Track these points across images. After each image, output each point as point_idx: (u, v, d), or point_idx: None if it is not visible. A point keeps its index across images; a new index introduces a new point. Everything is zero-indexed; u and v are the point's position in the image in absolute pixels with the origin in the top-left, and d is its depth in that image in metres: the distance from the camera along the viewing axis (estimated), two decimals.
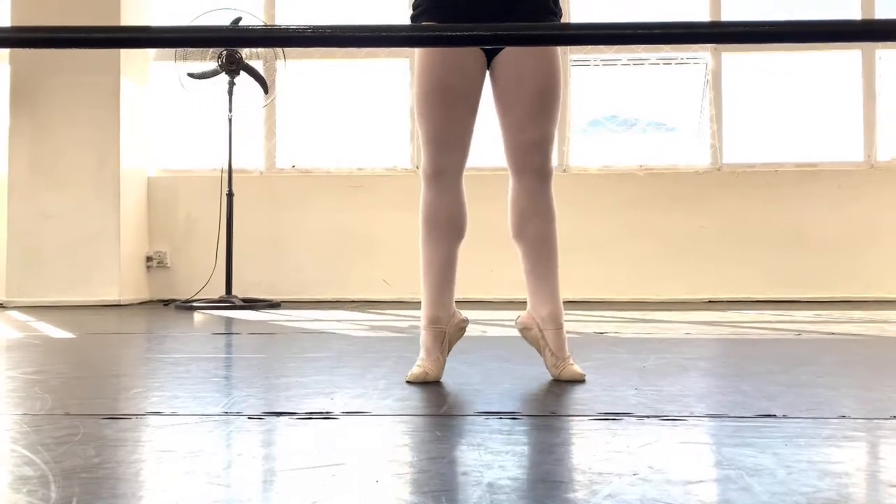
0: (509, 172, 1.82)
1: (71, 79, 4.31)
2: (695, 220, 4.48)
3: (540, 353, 1.81)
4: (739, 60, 4.63)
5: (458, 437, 1.27)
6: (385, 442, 1.25)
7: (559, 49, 1.91)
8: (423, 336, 1.80)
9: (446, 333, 1.80)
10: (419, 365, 1.76)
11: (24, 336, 2.81)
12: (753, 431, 1.27)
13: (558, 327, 1.78)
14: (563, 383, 1.72)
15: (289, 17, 4.74)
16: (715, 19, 4.58)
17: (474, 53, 1.76)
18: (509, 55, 1.76)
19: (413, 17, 1.81)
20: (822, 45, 4.34)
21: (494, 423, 1.35)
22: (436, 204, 1.78)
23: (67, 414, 1.42)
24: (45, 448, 1.17)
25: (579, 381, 1.73)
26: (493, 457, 1.12)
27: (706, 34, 1.47)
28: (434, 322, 1.79)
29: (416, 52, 1.80)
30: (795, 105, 4.64)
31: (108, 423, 1.34)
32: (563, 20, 1.94)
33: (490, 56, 1.78)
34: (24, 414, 1.43)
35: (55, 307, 4.11)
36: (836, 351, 2.37)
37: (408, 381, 1.73)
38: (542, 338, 1.78)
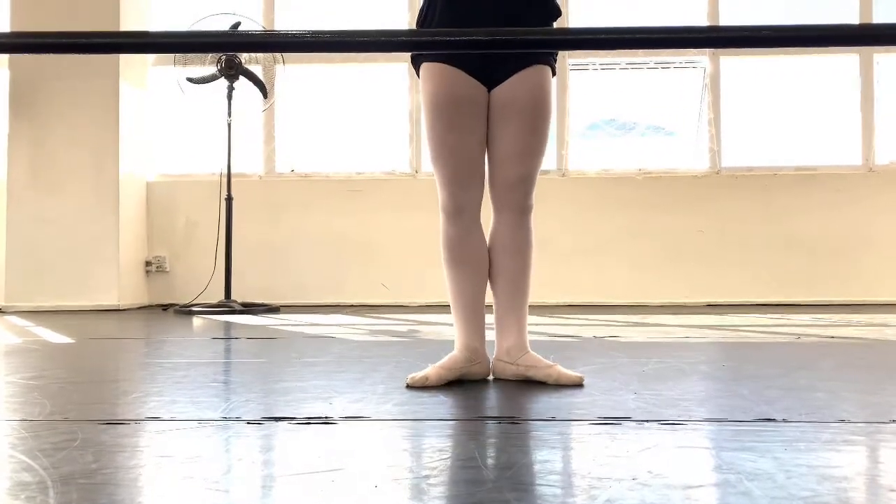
0: (492, 208, 1.85)
1: (70, 83, 4.31)
2: (694, 223, 4.48)
3: (529, 379, 1.80)
4: (738, 64, 4.64)
5: (457, 442, 1.27)
6: (384, 447, 1.25)
7: (558, 54, 1.92)
8: (453, 356, 1.79)
9: (471, 368, 1.79)
10: (425, 373, 1.75)
11: (23, 341, 2.81)
12: (753, 436, 1.27)
13: (524, 351, 1.80)
14: (563, 387, 1.72)
15: (288, 20, 4.74)
16: (713, 23, 4.59)
17: (479, 88, 1.79)
18: (502, 90, 1.79)
19: (414, 58, 1.85)
20: (821, 50, 4.34)
21: (494, 427, 1.35)
22: (463, 244, 1.82)
23: (66, 419, 1.42)
24: (44, 454, 1.16)
25: (577, 385, 1.73)
26: (492, 461, 1.12)
27: (705, 39, 1.47)
28: (469, 349, 1.79)
29: (424, 92, 1.82)
30: (794, 109, 4.65)
31: (106, 429, 1.34)
32: (561, 24, 1.95)
33: (489, 89, 1.81)
34: (23, 419, 1.43)
35: (54, 312, 4.11)
36: (836, 354, 2.37)
37: (407, 386, 1.73)
38: (518, 366, 1.79)
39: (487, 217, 1.86)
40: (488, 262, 1.85)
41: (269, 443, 1.28)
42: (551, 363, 1.79)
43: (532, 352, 1.82)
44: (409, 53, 1.84)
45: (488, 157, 1.84)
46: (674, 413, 1.44)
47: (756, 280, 4.43)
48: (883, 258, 4.41)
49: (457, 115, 1.78)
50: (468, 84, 1.77)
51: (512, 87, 1.78)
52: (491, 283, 1.86)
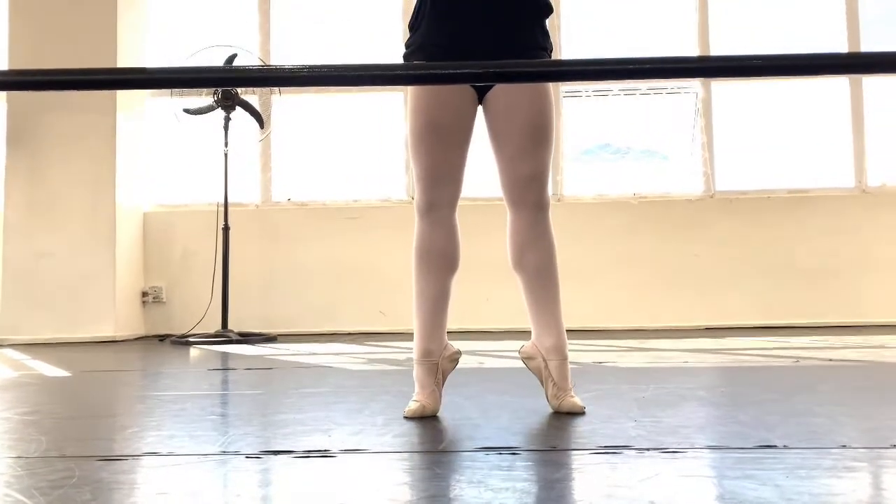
0: (507, 205, 1.84)
1: (67, 116, 4.34)
2: (689, 247, 4.50)
3: (541, 384, 1.81)
4: (729, 89, 4.69)
5: (457, 475, 1.26)
6: (384, 480, 1.24)
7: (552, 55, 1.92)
8: (417, 370, 1.80)
9: (439, 366, 1.80)
10: (416, 400, 1.75)
11: (19, 375, 2.79)
12: (754, 463, 1.26)
13: (562, 358, 1.78)
14: (563, 416, 1.72)
15: (284, 51, 4.79)
16: (704, 42, 4.65)
17: (465, 91, 1.78)
18: (501, 91, 1.79)
19: (406, 56, 1.83)
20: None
21: (494, 458, 1.34)
22: (429, 237, 1.80)
23: (63, 456, 1.41)
24: (40, 492, 1.15)
25: (579, 413, 1.73)
26: (493, 494, 1.11)
27: (696, 69, 1.49)
28: (427, 355, 1.79)
29: (409, 91, 1.83)
30: (786, 132, 4.69)
31: (103, 465, 1.33)
32: (553, 54, 1.96)
33: (481, 93, 1.81)
34: (19, 457, 1.42)
35: (50, 344, 4.09)
36: (834, 378, 2.37)
37: (406, 417, 1.72)
38: (545, 368, 1.78)
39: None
40: (456, 264, 1.81)
41: (268, 477, 1.28)
42: (569, 388, 1.77)
43: (568, 365, 1.79)
44: (403, 61, 1.82)
45: (496, 158, 1.82)
46: (674, 441, 1.44)
47: (752, 303, 4.43)
48: (878, 279, 4.42)
49: (440, 115, 1.76)
50: (456, 86, 1.75)
51: (511, 87, 1.76)
52: (521, 279, 1.82)
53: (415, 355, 1.81)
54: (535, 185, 1.80)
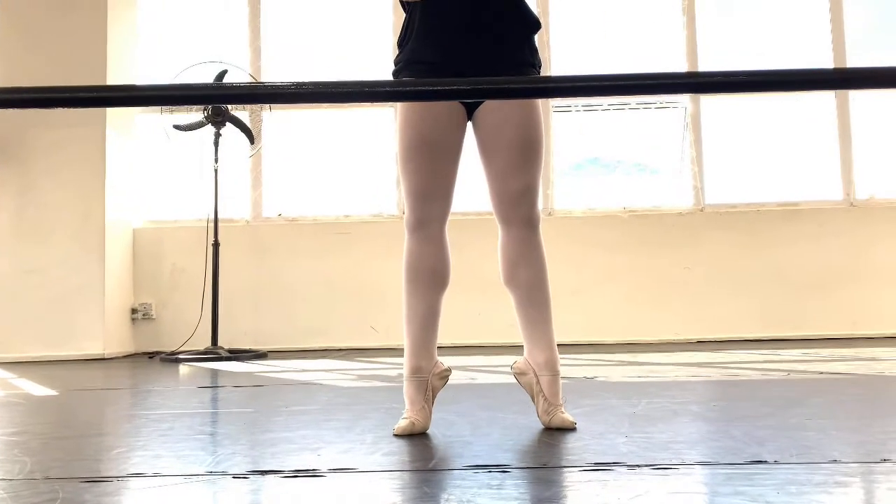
0: (497, 222, 1.84)
1: (56, 131, 4.32)
2: (680, 260, 4.51)
3: (533, 399, 1.80)
4: (718, 103, 4.72)
5: (447, 493, 1.25)
6: (373, 499, 1.23)
7: (541, 71, 1.93)
8: (406, 387, 1.79)
9: (429, 382, 1.79)
10: (405, 417, 1.74)
11: (4, 394, 2.76)
12: (745, 479, 1.25)
13: (554, 374, 1.78)
14: (554, 432, 1.71)
15: (274, 67, 4.80)
16: (692, 54, 4.69)
17: (454, 107, 1.78)
18: (490, 107, 1.79)
19: (394, 73, 1.84)
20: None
21: (484, 476, 1.33)
22: (418, 254, 1.79)
23: (47, 478, 1.39)
24: None
25: (570, 428, 1.72)
26: None
27: (683, 84, 1.50)
28: (416, 372, 1.78)
29: (398, 107, 1.83)
30: (775, 145, 4.72)
31: (88, 487, 1.31)
32: (543, 70, 1.97)
33: (471, 109, 1.81)
34: (2, 479, 1.40)
35: (38, 362, 4.04)
36: (825, 391, 2.37)
37: (395, 434, 1.70)
38: (536, 383, 1.78)
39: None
40: (446, 279, 1.81)
41: (256, 498, 1.26)
42: (560, 403, 1.77)
43: (560, 380, 1.78)
44: (392, 78, 1.83)
45: (486, 173, 1.82)
46: (665, 457, 1.43)
47: (743, 315, 4.44)
48: (867, 291, 4.44)
49: (429, 131, 1.76)
50: (445, 102, 1.75)
51: (499, 103, 1.76)
52: (512, 295, 1.82)
53: (405, 372, 1.80)
54: (526, 200, 1.80)
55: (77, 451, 1.67)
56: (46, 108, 1.38)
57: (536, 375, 1.78)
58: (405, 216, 1.83)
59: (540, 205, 1.85)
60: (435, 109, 1.76)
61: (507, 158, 1.78)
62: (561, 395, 1.78)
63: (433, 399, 1.80)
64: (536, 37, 1.87)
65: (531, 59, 1.83)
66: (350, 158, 4.80)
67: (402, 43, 1.84)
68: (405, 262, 1.81)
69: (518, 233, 1.80)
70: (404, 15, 1.85)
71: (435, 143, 1.77)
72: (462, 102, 1.79)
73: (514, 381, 1.88)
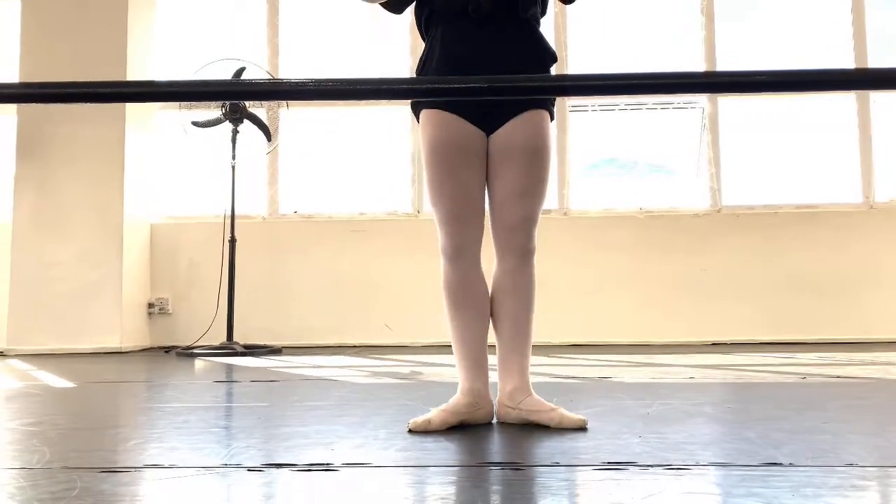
0: (494, 249, 1.86)
1: (77, 128, 4.37)
2: (696, 262, 4.48)
3: (537, 424, 1.79)
4: (736, 104, 4.69)
5: (460, 490, 1.25)
6: (386, 494, 1.24)
7: (556, 101, 1.95)
8: (457, 399, 1.78)
9: (474, 413, 1.78)
10: (427, 417, 1.74)
11: (24, 385, 2.80)
12: (760, 481, 1.25)
13: (527, 394, 1.79)
14: (567, 431, 1.70)
15: (293, 64, 4.82)
16: (710, 55, 4.66)
17: (478, 134, 1.81)
18: (501, 134, 1.82)
19: (413, 104, 1.90)
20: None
21: (497, 473, 1.33)
22: (465, 286, 1.82)
23: (65, 467, 1.41)
24: (42, 503, 1.15)
25: (581, 428, 1.72)
26: None
27: (702, 84, 1.50)
28: (472, 393, 1.78)
29: (423, 138, 1.84)
30: (793, 147, 4.68)
31: (105, 477, 1.33)
32: (560, 69, 1.98)
33: (487, 134, 1.83)
34: (22, 467, 1.42)
35: (56, 355, 4.09)
36: (841, 395, 2.35)
37: (409, 430, 1.71)
38: (521, 411, 1.78)
39: (488, 258, 1.87)
40: (490, 304, 1.85)
41: (270, 490, 1.27)
42: (554, 406, 1.77)
43: (535, 395, 1.80)
44: (410, 100, 1.86)
45: (489, 200, 1.86)
46: (679, 457, 1.43)
47: (760, 318, 4.41)
48: (885, 295, 4.39)
49: (456, 159, 1.80)
50: (467, 129, 1.80)
51: (510, 131, 1.81)
52: (493, 325, 1.86)
53: (461, 386, 1.81)
54: (522, 230, 1.82)
55: (94, 442, 1.69)
56: (67, 104, 1.40)
57: (515, 407, 1.78)
58: (441, 244, 1.84)
59: (535, 240, 1.85)
60: (461, 135, 1.79)
61: (509, 187, 1.81)
62: (546, 401, 1.79)
63: (462, 420, 1.78)
64: (553, 68, 1.89)
65: (549, 63, 1.85)
66: (365, 156, 4.81)
67: (420, 73, 1.88)
68: (448, 292, 1.83)
69: (512, 260, 1.82)
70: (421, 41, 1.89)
71: (464, 167, 1.79)
72: (481, 128, 1.80)
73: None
